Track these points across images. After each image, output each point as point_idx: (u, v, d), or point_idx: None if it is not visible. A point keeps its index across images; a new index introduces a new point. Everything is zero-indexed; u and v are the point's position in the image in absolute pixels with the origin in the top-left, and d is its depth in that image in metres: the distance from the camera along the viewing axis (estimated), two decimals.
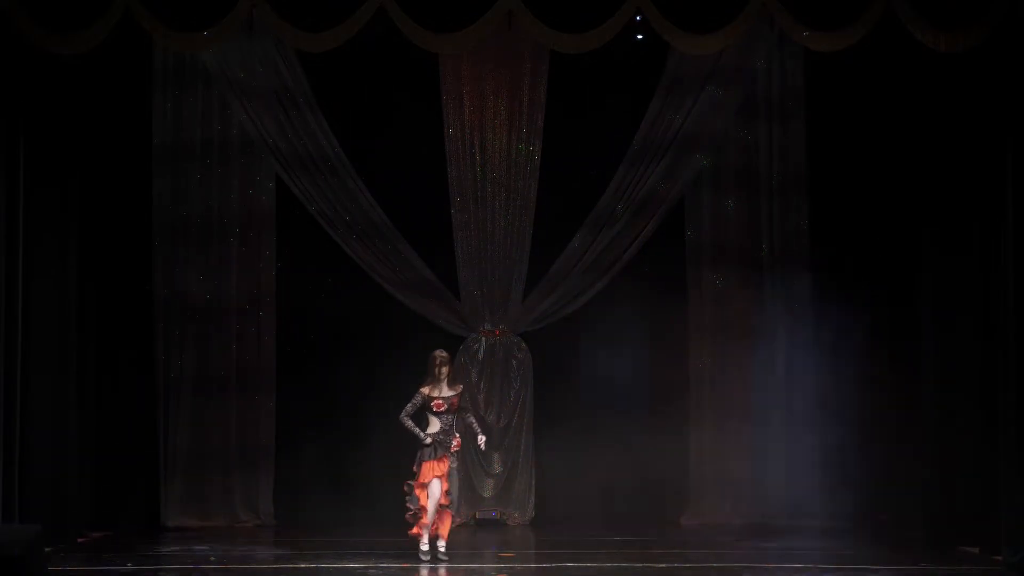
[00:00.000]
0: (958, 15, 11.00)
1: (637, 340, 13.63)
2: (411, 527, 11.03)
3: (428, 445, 10.97)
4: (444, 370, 11.07)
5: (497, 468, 13.67)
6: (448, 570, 10.69)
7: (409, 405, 11.04)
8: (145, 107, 13.50)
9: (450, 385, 11.08)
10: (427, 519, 10.93)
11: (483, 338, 13.71)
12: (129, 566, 10.71)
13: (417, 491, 10.94)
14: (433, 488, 10.92)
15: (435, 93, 13.49)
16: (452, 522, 11.15)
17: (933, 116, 12.43)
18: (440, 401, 10.99)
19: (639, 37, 12.23)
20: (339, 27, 11.26)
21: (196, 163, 13.61)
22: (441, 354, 11.17)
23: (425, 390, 11.04)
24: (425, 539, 11.00)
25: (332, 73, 13.41)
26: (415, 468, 11.01)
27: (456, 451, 11.06)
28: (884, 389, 13.22)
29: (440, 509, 10.98)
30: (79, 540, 12.28)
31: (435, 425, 11.01)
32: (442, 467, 10.95)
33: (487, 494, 13.65)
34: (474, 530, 13.38)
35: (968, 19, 10.98)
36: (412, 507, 10.98)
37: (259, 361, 13.67)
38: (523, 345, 13.72)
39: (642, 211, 13.65)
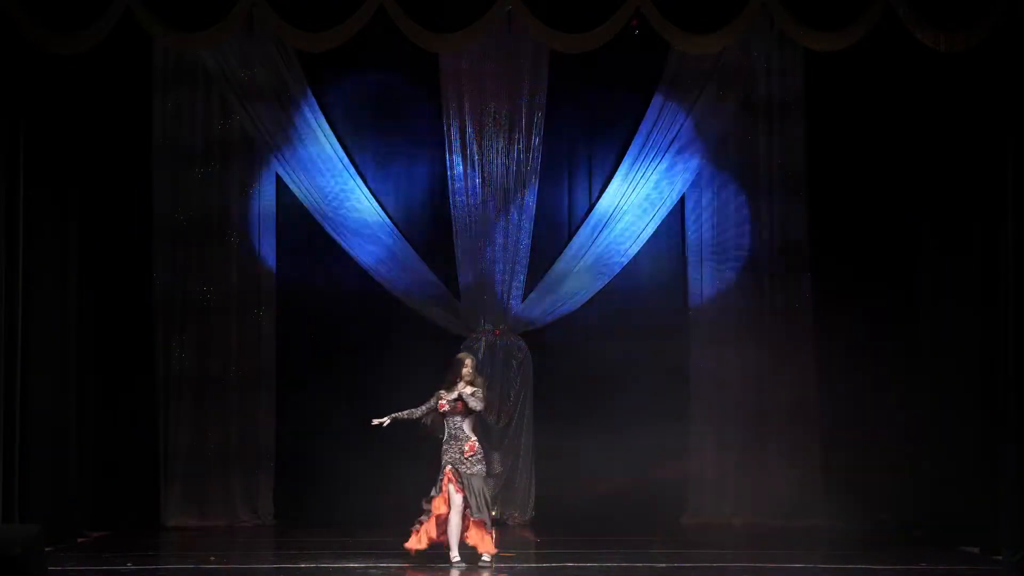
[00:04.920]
0: (958, 15, 10.99)
1: (637, 340, 13.63)
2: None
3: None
4: (464, 371, 10.90)
5: (497, 468, 13.66)
6: (445, 570, 10.68)
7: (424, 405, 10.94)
8: (145, 107, 13.50)
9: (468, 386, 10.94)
10: (422, 529, 10.79)
11: (483, 338, 13.70)
12: (129, 566, 10.71)
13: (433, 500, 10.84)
14: (454, 499, 10.77)
15: (435, 93, 13.49)
16: (487, 532, 10.81)
17: (933, 116, 12.45)
18: (444, 403, 10.89)
19: (633, 26, 12.14)
20: (339, 27, 11.26)
21: (196, 163, 13.62)
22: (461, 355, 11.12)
23: (441, 391, 10.89)
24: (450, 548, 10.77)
25: (332, 73, 13.41)
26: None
27: (468, 456, 10.84)
28: (884, 388, 13.22)
29: (470, 520, 10.79)
30: (79, 540, 12.28)
31: (445, 429, 10.91)
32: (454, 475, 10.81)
33: (488, 494, 13.63)
34: None
35: (968, 19, 10.98)
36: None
37: (259, 361, 13.68)
38: (523, 345, 13.72)
39: (642, 211, 13.65)
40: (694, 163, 13.69)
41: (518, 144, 13.53)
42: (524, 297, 13.73)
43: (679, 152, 13.62)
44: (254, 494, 13.66)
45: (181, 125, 13.60)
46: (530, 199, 13.59)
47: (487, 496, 10.90)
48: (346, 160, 13.60)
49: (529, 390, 13.63)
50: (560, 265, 13.71)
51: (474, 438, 10.88)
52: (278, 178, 13.70)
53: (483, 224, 13.61)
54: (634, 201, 13.63)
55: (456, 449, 10.80)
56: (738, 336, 13.69)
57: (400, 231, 13.64)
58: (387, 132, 13.69)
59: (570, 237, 13.71)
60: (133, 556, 11.20)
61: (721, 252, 13.80)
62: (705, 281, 13.80)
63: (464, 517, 10.77)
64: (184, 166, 13.61)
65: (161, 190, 13.61)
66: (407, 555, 11.11)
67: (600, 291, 13.74)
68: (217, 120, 13.66)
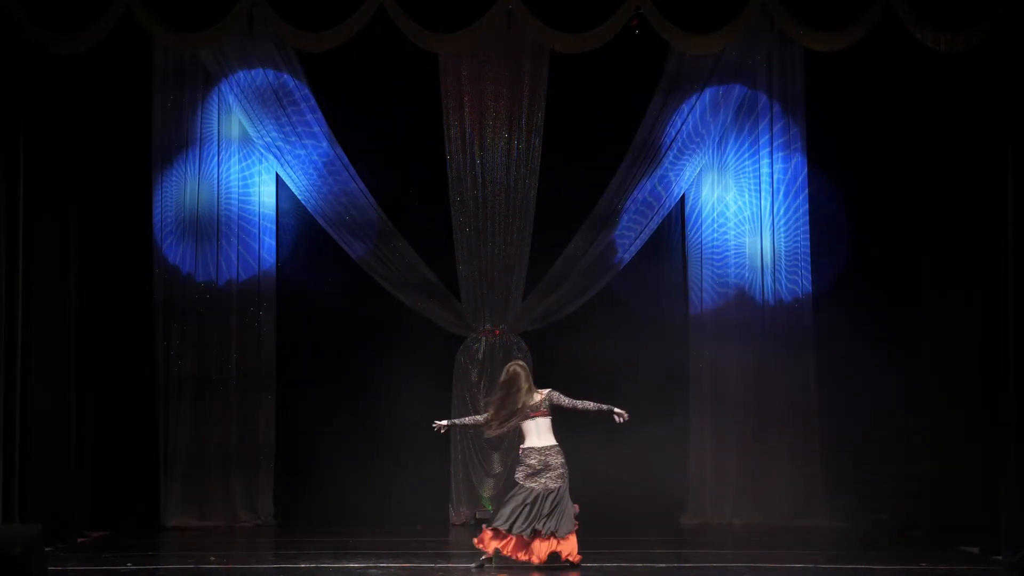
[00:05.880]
0: (958, 15, 10.99)
1: (637, 340, 13.62)
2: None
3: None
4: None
5: (497, 468, 13.66)
6: (443, 570, 10.68)
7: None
8: (145, 107, 13.50)
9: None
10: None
11: (483, 338, 13.70)
12: (129, 566, 10.70)
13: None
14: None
15: (435, 93, 13.48)
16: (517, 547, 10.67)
17: (933, 116, 12.44)
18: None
19: (633, 26, 12.07)
20: (339, 27, 11.26)
21: (196, 163, 13.61)
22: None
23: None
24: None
25: (332, 73, 13.41)
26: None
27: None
28: (884, 388, 13.21)
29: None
30: (79, 540, 12.27)
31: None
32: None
33: (487, 494, 13.64)
34: (474, 530, 13.37)
35: (968, 19, 10.97)
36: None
37: (259, 361, 13.67)
38: (523, 345, 13.71)
39: (642, 211, 13.66)
40: (694, 163, 13.69)
41: (518, 144, 13.53)
42: (524, 297, 13.73)
43: (679, 152, 13.62)
44: (254, 494, 13.65)
45: (181, 125, 13.59)
46: (530, 199, 13.59)
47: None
48: (346, 159, 13.60)
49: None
50: (560, 265, 13.70)
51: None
52: (278, 178, 13.71)
53: (483, 223, 13.61)
54: (634, 201, 13.63)
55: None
56: (738, 336, 13.68)
57: (399, 231, 13.64)
58: (387, 132, 13.69)
59: (570, 237, 13.70)
60: (133, 556, 11.19)
61: (721, 252, 13.80)
62: (705, 281, 13.80)
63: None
64: (184, 166, 13.61)
65: (161, 190, 13.60)
66: (407, 555, 11.11)
67: (600, 291, 13.73)
68: (217, 120, 13.65)
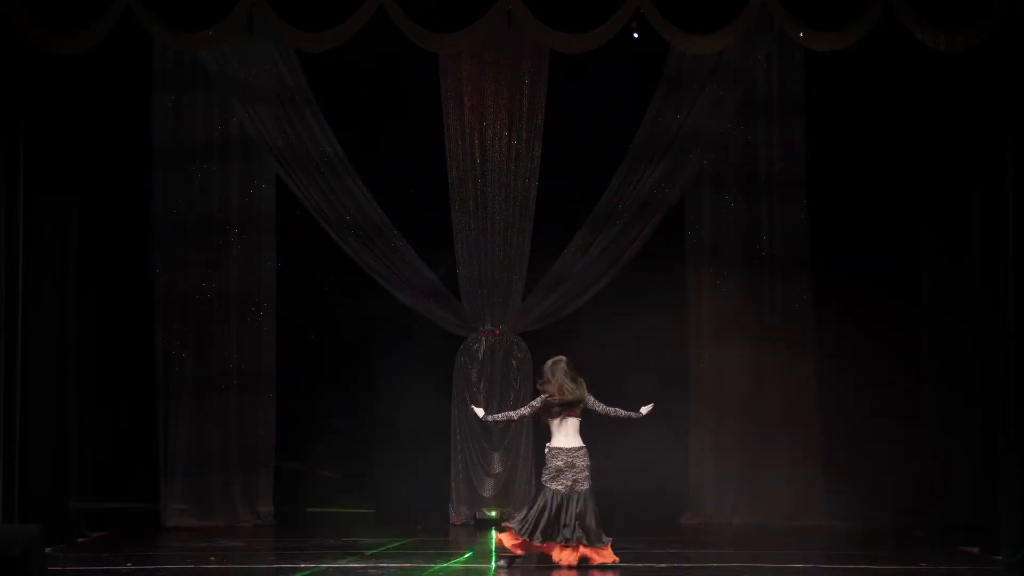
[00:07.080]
0: (958, 15, 10.99)
1: (637, 340, 13.61)
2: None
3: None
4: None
5: (497, 468, 13.67)
6: (444, 570, 10.67)
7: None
8: (145, 107, 13.50)
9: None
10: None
11: (483, 338, 13.71)
12: (129, 566, 10.70)
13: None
14: None
15: (435, 93, 13.49)
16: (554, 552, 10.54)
17: (933, 116, 12.44)
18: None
19: (633, 28, 12.06)
20: (339, 27, 11.26)
21: (196, 163, 13.61)
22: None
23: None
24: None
25: (332, 73, 13.41)
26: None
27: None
28: (884, 389, 13.23)
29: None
30: (79, 540, 12.27)
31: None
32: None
33: (487, 494, 13.65)
34: (474, 530, 13.38)
35: (968, 19, 10.97)
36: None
37: (259, 361, 13.67)
38: (523, 345, 13.72)
39: (642, 211, 13.65)
40: (694, 163, 13.68)
41: (518, 144, 13.53)
42: (524, 297, 13.73)
43: (679, 152, 13.62)
44: (254, 494, 13.65)
45: (181, 125, 13.59)
46: (530, 199, 13.59)
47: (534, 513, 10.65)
48: (345, 160, 13.60)
49: (529, 390, 13.61)
50: (560, 264, 13.70)
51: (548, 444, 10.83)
52: (278, 178, 13.70)
53: (483, 223, 13.61)
54: (634, 201, 13.62)
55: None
56: (738, 336, 13.68)
57: (399, 231, 13.64)
58: (386, 132, 13.70)
59: (570, 237, 13.70)
60: (133, 556, 11.18)
61: (721, 252, 13.79)
62: (705, 281, 13.80)
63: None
64: (184, 166, 13.61)
65: (161, 190, 13.60)
66: (407, 555, 11.10)
67: (600, 291, 13.73)
68: (217, 120, 13.66)
